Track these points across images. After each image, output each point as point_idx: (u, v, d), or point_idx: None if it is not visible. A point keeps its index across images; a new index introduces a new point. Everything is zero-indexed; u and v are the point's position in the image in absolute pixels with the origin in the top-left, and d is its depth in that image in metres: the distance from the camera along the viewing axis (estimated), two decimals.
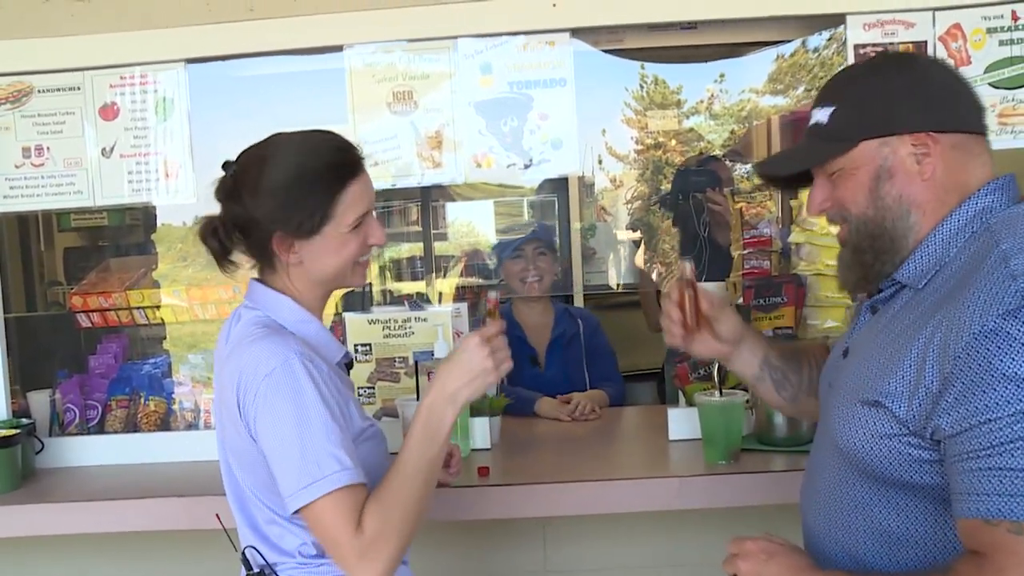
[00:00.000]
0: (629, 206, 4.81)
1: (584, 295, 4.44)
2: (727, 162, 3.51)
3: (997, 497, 1.04)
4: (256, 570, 1.55)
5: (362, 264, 1.59)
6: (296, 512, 1.41)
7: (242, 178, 1.52)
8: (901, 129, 1.25)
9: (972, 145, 1.26)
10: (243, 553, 1.57)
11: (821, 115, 1.32)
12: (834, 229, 1.41)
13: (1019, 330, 1.05)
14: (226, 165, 1.56)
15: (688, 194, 3.09)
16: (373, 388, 2.49)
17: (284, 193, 1.48)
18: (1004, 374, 1.04)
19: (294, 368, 1.42)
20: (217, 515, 1.69)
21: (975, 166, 1.25)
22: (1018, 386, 1.03)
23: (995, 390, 1.05)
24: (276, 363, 1.42)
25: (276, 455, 1.42)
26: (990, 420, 1.05)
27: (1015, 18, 2.29)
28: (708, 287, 2.59)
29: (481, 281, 4.47)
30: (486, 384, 1.48)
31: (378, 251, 4.92)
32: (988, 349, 1.06)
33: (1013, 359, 1.04)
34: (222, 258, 1.56)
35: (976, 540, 1.07)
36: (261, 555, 1.55)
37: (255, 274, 1.61)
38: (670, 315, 1.57)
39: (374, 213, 1.58)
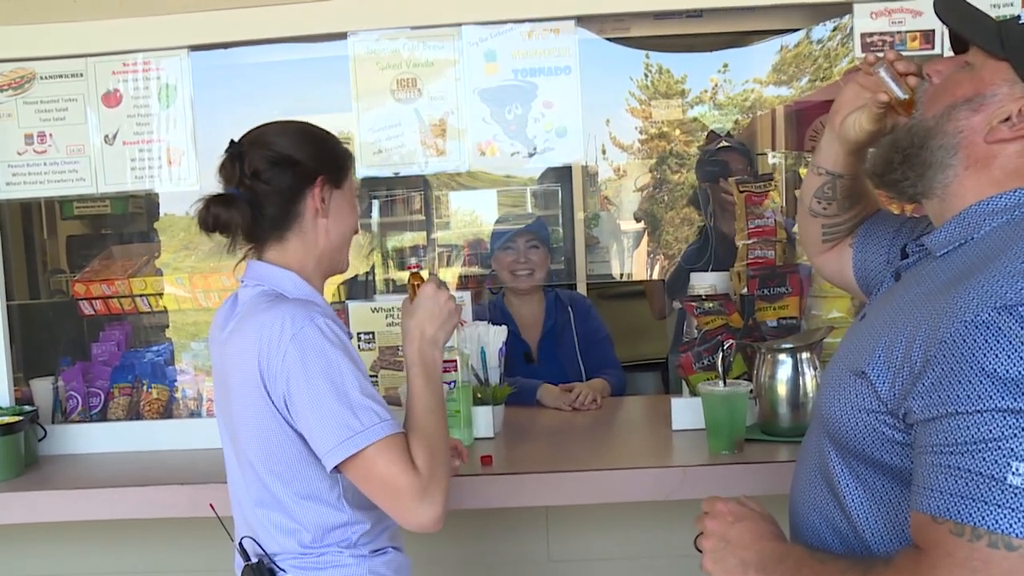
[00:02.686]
0: (642, 193, 4.81)
1: (587, 284, 4.44)
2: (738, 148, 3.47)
3: (949, 496, 1.01)
4: (254, 560, 1.55)
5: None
6: (336, 469, 1.43)
7: (264, 137, 1.56)
8: None
9: None
10: (240, 543, 1.57)
11: None
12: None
13: (1011, 327, 1.00)
14: (231, 144, 1.58)
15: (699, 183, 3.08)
16: (376, 376, 2.49)
17: (322, 140, 1.60)
18: (983, 369, 1.00)
19: (320, 327, 1.45)
20: (211, 504, 1.68)
21: None
22: (993, 383, 0.99)
23: (971, 383, 1.00)
24: (303, 323, 1.44)
25: (312, 413, 1.42)
26: (959, 413, 1.01)
27: None
28: (711, 277, 2.61)
29: (483, 270, 4.47)
30: (453, 324, 1.61)
31: (377, 241, 4.92)
32: (975, 340, 1.01)
33: (996, 355, 0.99)
34: (224, 231, 1.55)
35: (921, 535, 1.05)
36: (259, 544, 1.55)
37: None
38: (897, 64, 1.34)
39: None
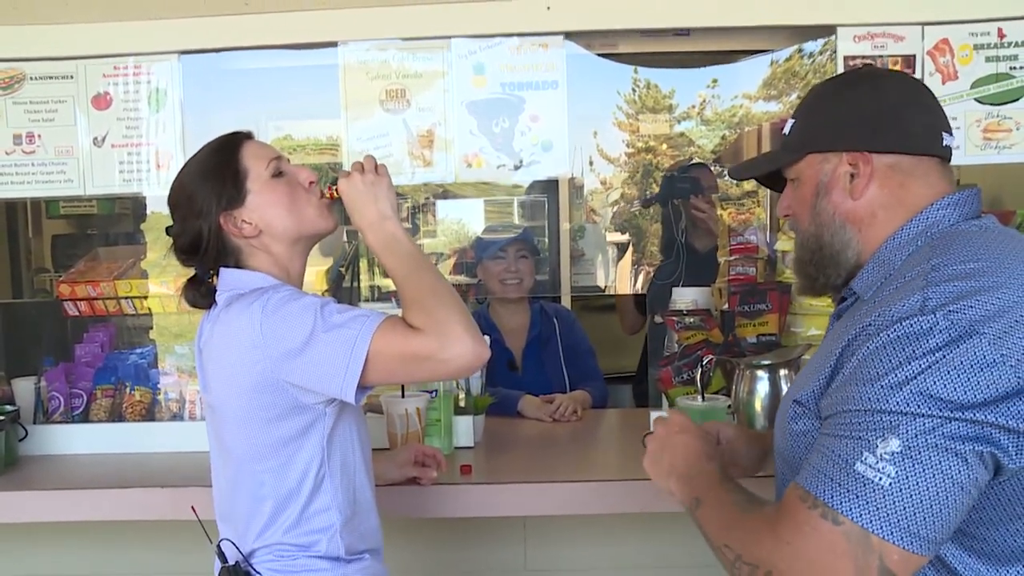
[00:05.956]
0: (613, 208, 4.83)
1: (572, 296, 4.45)
2: (714, 168, 3.53)
3: (810, 469, 1.13)
4: (231, 562, 1.56)
5: (319, 206, 1.62)
6: (364, 388, 1.44)
7: (172, 209, 1.64)
8: (840, 146, 1.31)
9: (914, 167, 1.29)
10: (218, 546, 1.58)
11: (787, 126, 1.41)
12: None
13: (894, 340, 1.09)
14: (168, 228, 1.65)
15: (671, 200, 3.14)
16: None
17: (199, 182, 1.59)
18: (868, 375, 1.10)
19: (278, 291, 1.49)
20: (192, 507, 1.69)
21: (918, 186, 1.29)
22: (872, 388, 1.09)
23: (858, 386, 1.11)
24: (265, 297, 1.47)
25: (316, 360, 1.42)
26: (845, 411, 1.12)
27: (1001, 35, 2.31)
28: (692, 292, 2.64)
29: (470, 279, 4.48)
30: (386, 184, 1.57)
31: (364, 248, 4.89)
32: (867, 350, 1.12)
33: (881, 363, 1.10)
34: (212, 300, 1.62)
35: (785, 496, 1.16)
36: (237, 547, 1.56)
37: None
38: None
39: (289, 160, 1.66)
